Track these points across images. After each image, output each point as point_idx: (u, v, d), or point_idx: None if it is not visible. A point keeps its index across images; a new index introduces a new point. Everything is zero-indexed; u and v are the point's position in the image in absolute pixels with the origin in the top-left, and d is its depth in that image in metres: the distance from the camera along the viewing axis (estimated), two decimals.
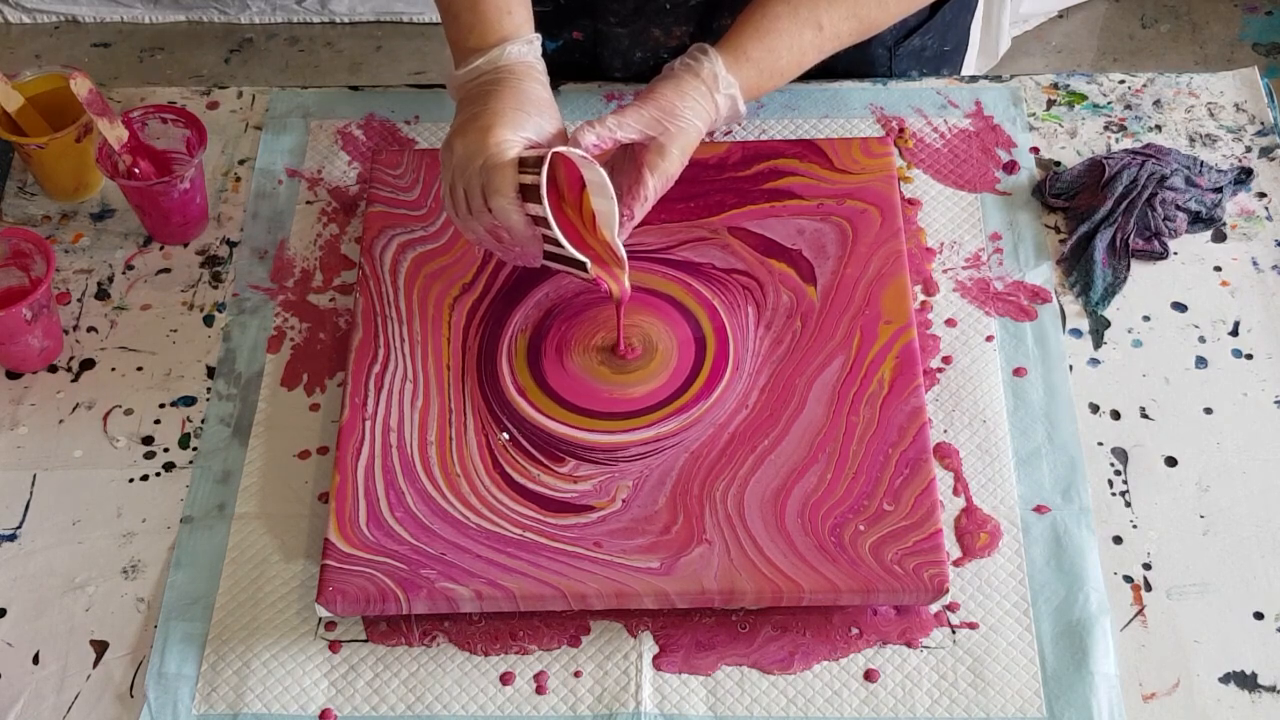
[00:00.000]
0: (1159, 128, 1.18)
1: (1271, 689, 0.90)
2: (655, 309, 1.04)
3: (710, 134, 1.03)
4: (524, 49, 0.97)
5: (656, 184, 0.95)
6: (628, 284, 0.97)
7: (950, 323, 1.06)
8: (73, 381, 1.06)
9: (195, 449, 1.02)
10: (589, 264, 0.92)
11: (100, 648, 0.94)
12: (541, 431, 0.98)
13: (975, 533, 0.96)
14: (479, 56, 0.97)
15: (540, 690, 0.91)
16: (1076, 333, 1.06)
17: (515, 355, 1.02)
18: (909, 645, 0.92)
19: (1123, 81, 1.21)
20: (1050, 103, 1.20)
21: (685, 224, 1.09)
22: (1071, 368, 1.04)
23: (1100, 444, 1.00)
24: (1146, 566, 0.95)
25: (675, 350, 1.02)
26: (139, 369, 1.07)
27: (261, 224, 1.15)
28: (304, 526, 0.98)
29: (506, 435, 0.98)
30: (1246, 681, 0.90)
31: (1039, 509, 0.97)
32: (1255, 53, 2.38)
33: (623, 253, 0.95)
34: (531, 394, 1.00)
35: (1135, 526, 0.96)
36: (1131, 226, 1.09)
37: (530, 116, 0.93)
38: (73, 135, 1.12)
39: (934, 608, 0.93)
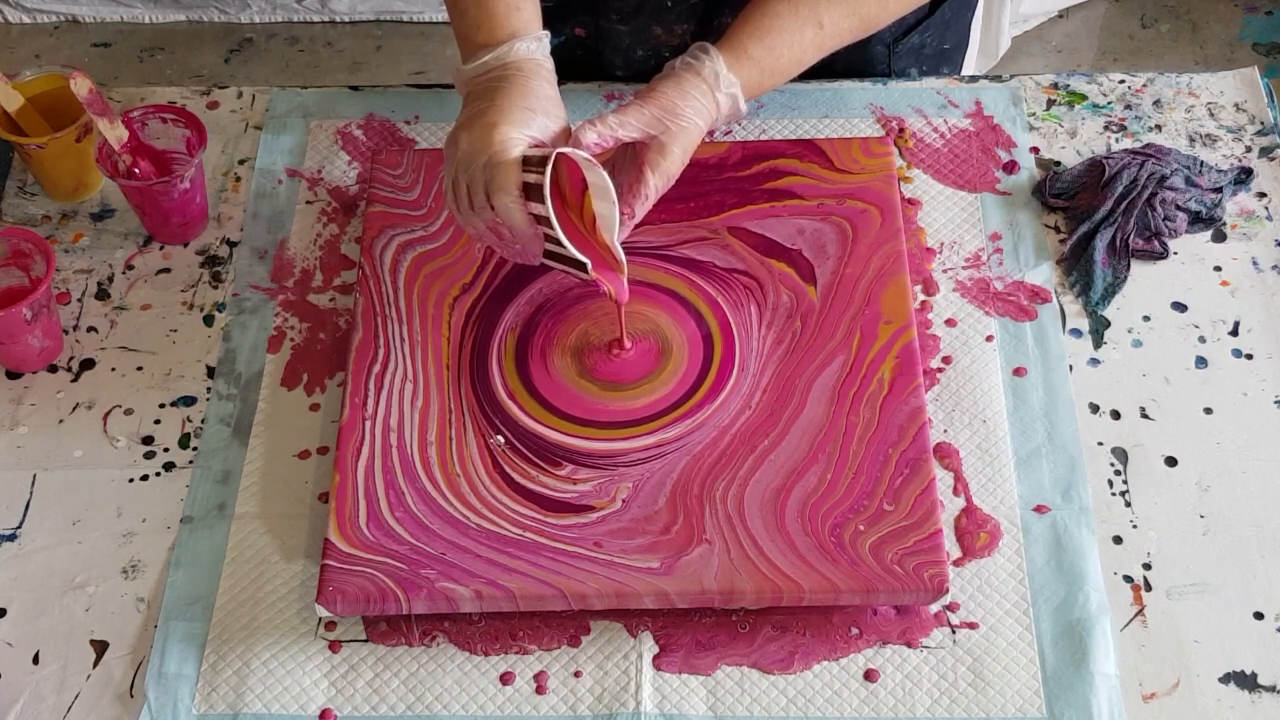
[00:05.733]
0: (1159, 128, 1.18)
1: (1271, 689, 0.90)
2: (661, 304, 1.04)
3: (711, 133, 1.02)
4: (532, 46, 0.97)
5: (658, 183, 0.95)
6: (626, 287, 0.96)
7: (950, 323, 1.06)
8: (73, 381, 1.06)
9: (195, 449, 1.02)
10: (589, 265, 0.92)
11: (100, 648, 0.94)
12: (535, 436, 0.98)
13: (975, 533, 0.96)
14: (487, 52, 0.97)
15: (540, 690, 0.91)
16: (1076, 333, 1.06)
17: (505, 356, 1.02)
18: (909, 645, 0.92)
19: (1123, 81, 1.21)
20: (1050, 103, 1.20)
21: (685, 224, 1.09)
22: (1071, 368, 1.04)
23: (1100, 444, 1.00)
24: (1146, 566, 0.95)
25: (686, 354, 1.02)
26: (139, 369, 1.07)
27: (261, 224, 1.15)
28: (304, 526, 0.98)
29: (501, 439, 0.98)
30: (1246, 681, 0.90)
31: (1039, 509, 0.97)
32: (1255, 53, 2.38)
33: (622, 256, 0.94)
34: (521, 398, 1.00)
35: (1135, 526, 0.96)
36: (1131, 226, 1.09)
37: (536, 115, 0.93)
38: (73, 135, 1.12)
39: (934, 608, 0.92)
